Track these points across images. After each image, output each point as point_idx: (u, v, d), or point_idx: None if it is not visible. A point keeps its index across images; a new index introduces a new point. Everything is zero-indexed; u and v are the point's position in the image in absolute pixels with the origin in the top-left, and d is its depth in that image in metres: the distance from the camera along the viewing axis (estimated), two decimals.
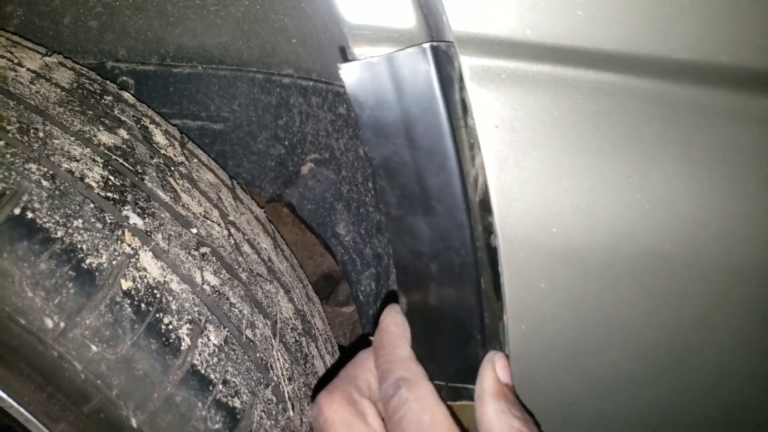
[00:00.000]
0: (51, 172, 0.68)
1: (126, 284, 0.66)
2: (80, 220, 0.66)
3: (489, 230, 0.56)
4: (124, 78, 1.16)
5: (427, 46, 0.49)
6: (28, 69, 0.84)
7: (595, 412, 0.64)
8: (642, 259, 0.55)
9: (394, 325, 0.59)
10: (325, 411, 0.56)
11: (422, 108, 0.51)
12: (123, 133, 0.86)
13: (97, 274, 0.64)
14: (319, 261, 1.42)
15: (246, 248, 0.93)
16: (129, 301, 0.65)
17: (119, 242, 0.68)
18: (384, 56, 0.50)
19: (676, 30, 0.49)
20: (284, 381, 0.85)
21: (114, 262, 0.66)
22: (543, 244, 0.55)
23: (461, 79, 0.52)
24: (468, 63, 0.51)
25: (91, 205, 0.69)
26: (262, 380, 0.79)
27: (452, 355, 0.59)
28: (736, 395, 0.60)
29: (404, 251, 0.59)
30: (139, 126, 0.92)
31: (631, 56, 0.50)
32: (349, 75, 0.51)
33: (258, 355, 0.80)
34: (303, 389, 0.90)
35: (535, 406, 0.65)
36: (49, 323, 0.60)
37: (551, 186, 0.53)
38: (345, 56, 0.54)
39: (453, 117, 0.52)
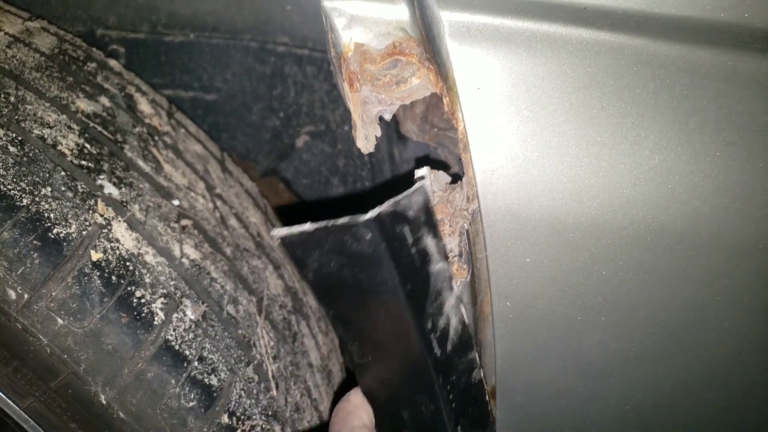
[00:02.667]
0: (20, 138, 0.65)
1: (96, 255, 0.64)
2: (49, 188, 0.63)
3: (470, 369, 0.53)
4: (115, 46, 1.13)
5: (364, 219, 0.43)
6: (6, 33, 0.81)
7: (586, 394, 0.61)
8: (633, 232, 0.50)
9: (355, 397, 0.57)
10: None
11: (370, 274, 0.46)
12: (104, 100, 0.83)
13: (64, 244, 0.62)
14: None
15: (232, 222, 0.90)
16: (99, 273, 0.63)
17: (91, 212, 0.66)
18: (321, 226, 0.45)
19: None
20: (269, 359, 0.82)
21: (84, 233, 0.64)
22: (527, 215, 0.51)
23: (422, 226, 0.47)
24: (447, 18, 0.47)
25: (62, 173, 0.66)
26: (243, 358, 0.76)
27: None
28: (733, 376, 0.57)
29: (374, 394, 0.56)
30: (123, 94, 0.88)
31: (621, 12, 0.45)
32: (286, 241, 0.46)
33: (240, 332, 0.77)
34: (290, 368, 0.88)
35: (522, 388, 0.62)
36: (12, 294, 0.58)
37: (536, 153, 0.49)
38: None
39: (408, 277, 0.46)
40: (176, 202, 0.79)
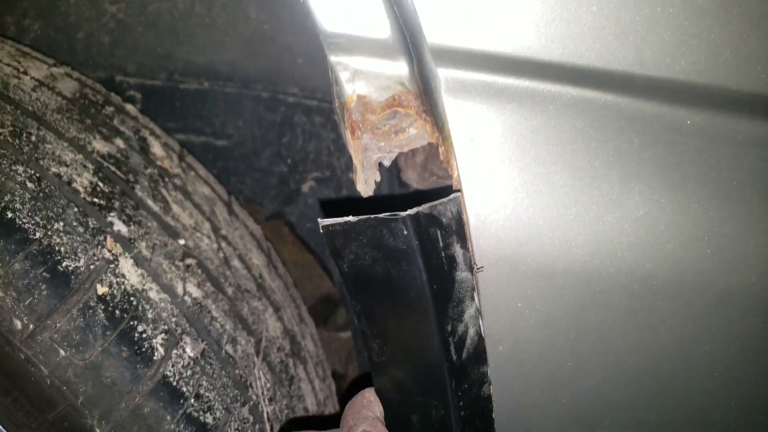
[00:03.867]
0: (38, 175, 0.68)
1: (102, 289, 0.66)
2: (61, 223, 0.66)
3: (481, 381, 0.55)
4: (132, 92, 1.18)
5: (405, 215, 0.48)
6: (33, 77, 0.85)
7: None
8: (621, 280, 0.52)
9: (369, 394, 0.59)
10: None
11: (401, 270, 0.50)
12: (119, 142, 0.87)
13: (72, 277, 0.64)
14: (318, 283, 1.40)
15: (236, 263, 0.93)
16: (103, 307, 0.65)
17: (99, 247, 0.68)
18: (363, 218, 0.49)
19: (650, 48, 0.47)
20: (264, 401, 0.83)
21: (92, 267, 0.66)
22: (518, 260, 0.53)
23: (452, 234, 0.51)
24: (444, 75, 0.50)
25: (75, 209, 0.69)
26: (239, 397, 0.77)
27: None
28: (723, 424, 0.57)
29: (387, 395, 0.58)
30: (137, 137, 0.92)
31: (606, 72, 0.48)
32: (329, 230, 0.50)
33: (237, 371, 0.78)
34: (285, 411, 0.88)
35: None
36: (18, 324, 0.60)
37: (527, 201, 0.52)
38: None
39: (434, 278, 0.50)
40: (182, 242, 0.82)
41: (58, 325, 0.61)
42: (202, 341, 0.74)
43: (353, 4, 0.49)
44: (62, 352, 0.61)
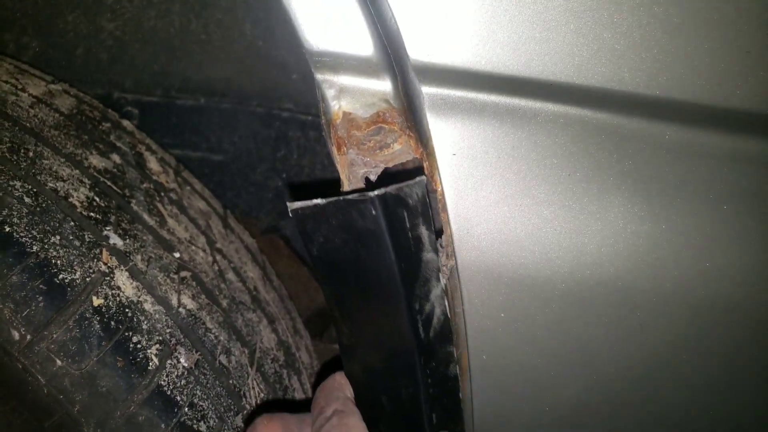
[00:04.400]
0: (35, 190, 0.70)
1: (97, 301, 0.67)
2: (58, 237, 0.68)
3: (447, 361, 0.56)
4: (129, 108, 1.20)
5: (373, 195, 0.49)
6: (30, 94, 0.87)
7: None
8: (601, 290, 0.54)
9: (339, 377, 0.60)
10: (258, 428, 0.56)
11: (370, 251, 0.51)
12: (116, 157, 0.89)
13: (68, 289, 0.65)
14: (314, 296, 1.41)
15: (230, 275, 0.94)
16: (99, 318, 0.66)
17: (95, 260, 0.70)
18: (332, 200, 0.50)
19: (627, 65, 0.49)
20: (258, 410, 0.84)
21: (88, 279, 0.68)
22: (501, 272, 0.55)
23: (418, 215, 0.52)
24: (426, 92, 0.52)
25: (72, 223, 0.71)
26: (232, 407, 0.78)
27: None
28: (700, 428, 0.58)
29: (357, 377, 0.59)
30: (133, 152, 0.94)
31: (584, 89, 0.50)
32: (298, 213, 0.51)
33: (231, 381, 0.80)
34: None
35: None
36: (16, 335, 0.61)
37: (509, 214, 0.54)
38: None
39: (402, 258, 0.51)
40: (177, 255, 0.84)
41: (54, 335, 0.63)
42: (197, 352, 0.76)
43: (338, 22, 0.51)
44: (59, 362, 0.63)
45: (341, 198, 0.49)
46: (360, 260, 0.51)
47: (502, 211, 0.54)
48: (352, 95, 0.54)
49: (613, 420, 0.59)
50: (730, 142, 0.52)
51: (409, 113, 0.54)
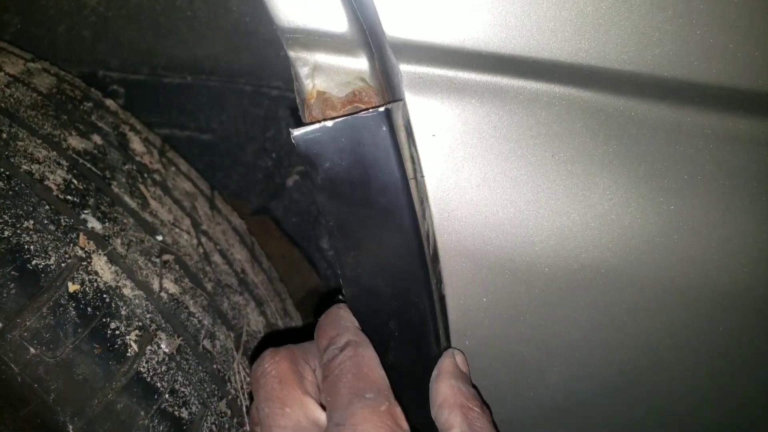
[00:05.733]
0: (8, 173, 0.68)
1: (73, 287, 0.66)
2: (32, 221, 0.66)
3: (440, 279, 0.55)
4: (115, 87, 1.18)
5: (383, 110, 0.48)
6: (7, 73, 0.85)
7: None
8: (585, 275, 0.52)
9: (344, 309, 0.58)
10: (266, 362, 0.54)
11: (378, 170, 0.50)
12: (97, 138, 0.86)
13: (42, 275, 0.64)
14: (306, 276, 1.40)
15: (216, 258, 0.93)
16: (74, 304, 0.65)
17: (72, 245, 0.68)
18: (339, 120, 0.48)
19: (613, 41, 0.47)
20: (243, 395, 0.83)
21: (63, 264, 0.66)
22: (482, 256, 0.53)
23: (410, 135, 0.51)
24: (404, 70, 0.50)
25: (47, 207, 0.69)
26: (216, 392, 0.77)
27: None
28: (691, 418, 0.57)
29: (363, 307, 0.57)
30: (116, 132, 0.92)
31: (568, 66, 0.48)
32: (303, 139, 0.49)
33: (215, 366, 0.79)
34: None
35: None
36: None
37: (490, 196, 0.52)
38: (297, 119, 0.54)
39: (406, 175, 0.51)
40: (160, 238, 0.82)
41: (27, 323, 0.61)
42: (179, 337, 0.74)
43: None
44: (32, 350, 0.61)
45: (350, 116, 0.48)
46: (368, 182, 0.50)
47: (483, 193, 0.52)
48: (326, 73, 0.52)
49: (602, 408, 0.58)
50: (719, 120, 0.50)
51: (387, 92, 0.52)
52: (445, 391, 0.53)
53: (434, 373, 0.56)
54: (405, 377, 0.54)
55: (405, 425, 0.48)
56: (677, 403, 0.56)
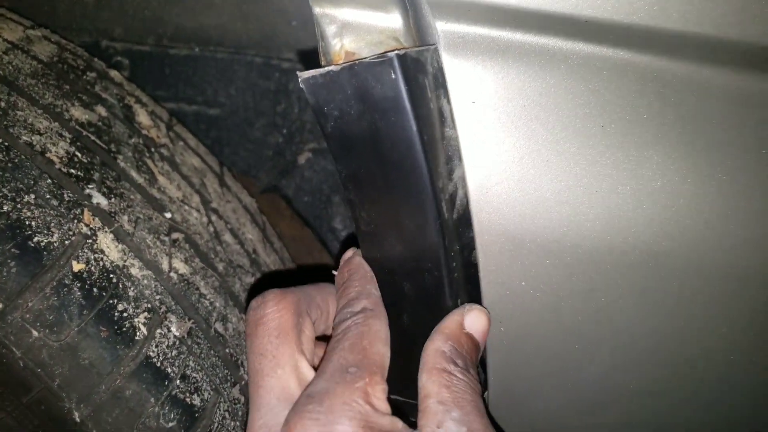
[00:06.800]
0: (7, 144, 0.64)
1: (78, 266, 0.62)
2: (33, 196, 0.62)
3: (470, 246, 0.51)
4: (119, 58, 1.12)
5: (392, 55, 0.43)
6: (5, 39, 0.80)
7: (583, 429, 0.57)
8: (635, 258, 0.48)
9: (366, 267, 0.54)
10: (268, 307, 0.51)
11: (389, 121, 0.45)
12: (101, 110, 0.82)
13: (45, 253, 0.60)
14: (318, 257, 1.36)
15: (227, 237, 0.88)
16: (79, 284, 0.61)
17: (76, 221, 0.64)
18: (346, 65, 0.44)
19: None
20: None
21: (67, 242, 0.62)
22: (523, 236, 0.48)
23: (439, 86, 0.46)
24: (442, 29, 0.45)
25: (49, 181, 0.64)
26: (229, 377, 0.73)
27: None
28: (739, 408, 0.53)
29: (377, 267, 0.54)
30: (121, 105, 0.87)
31: (625, 27, 0.43)
32: (310, 83, 0.46)
33: (227, 350, 0.75)
34: None
35: (516, 422, 0.59)
36: None
37: (534, 171, 0.47)
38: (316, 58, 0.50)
39: (424, 130, 0.46)
40: (168, 215, 0.78)
41: (30, 304, 0.57)
42: (189, 320, 0.71)
43: None
44: (35, 333, 0.57)
45: (357, 62, 0.44)
46: (379, 132, 0.46)
47: (526, 167, 0.47)
48: (356, 32, 0.47)
49: (642, 399, 0.54)
50: None
51: None
52: (428, 355, 0.48)
53: (434, 329, 0.52)
54: (418, 343, 0.50)
55: (381, 404, 0.45)
56: (728, 395, 0.52)
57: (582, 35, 0.45)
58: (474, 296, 0.52)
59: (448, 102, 0.47)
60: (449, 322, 0.50)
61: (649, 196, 0.47)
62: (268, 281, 0.91)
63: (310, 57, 1.10)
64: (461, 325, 0.50)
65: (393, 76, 0.44)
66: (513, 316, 0.52)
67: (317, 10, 0.46)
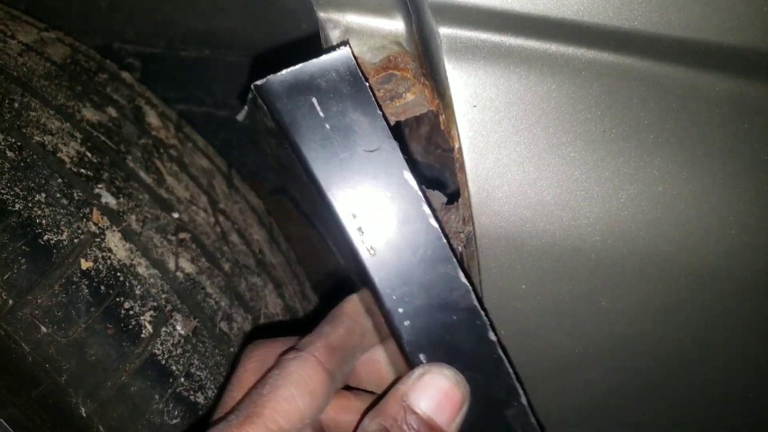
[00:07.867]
0: (19, 144, 0.65)
1: (86, 264, 0.63)
2: (43, 195, 0.63)
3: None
4: (131, 60, 1.14)
5: (346, 49, 0.40)
6: (20, 41, 0.82)
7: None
8: (635, 262, 0.48)
9: (350, 305, 0.50)
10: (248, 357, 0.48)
11: (286, 149, 0.41)
12: (112, 111, 0.83)
13: (54, 251, 0.61)
14: (325, 259, 1.37)
15: (234, 238, 0.89)
16: (87, 282, 0.62)
17: (85, 220, 0.65)
18: (296, 68, 0.40)
19: (676, 5, 0.42)
20: None
21: (76, 241, 0.63)
22: (524, 240, 0.49)
23: (344, 99, 0.42)
24: (444, 33, 0.45)
25: (60, 180, 0.66)
26: None
27: None
28: (738, 411, 0.53)
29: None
30: (131, 105, 0.89)
31: (626, 33, 0.43)
32: (268, 89, 0.40)
33: (232, 349, 0.76)
34: None
35: None
36: None
37: (535, 175, 0.47)
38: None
39: (318, 155, 0.41)
40: (176, 215, 0.79)
41: (39, 300, 0.58)
42: (195, 318, 0.71)
43: None
44: (44, 329, 0.58)
45: (309, 62, 0.40)
46: (290, 158, 0.42)
47: (528, 171, 0.48)
48: (359, 37, 0.47)
49: (644, 404, 0.54)
50: None
51: (424, 58, 0.48)
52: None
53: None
54: None
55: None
56: (729, 399, 0.52)
57: (583, 41, 0.45)
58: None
59: (364, 114, 0.42)
60: (390, 393, 0.39)
61: (649, 201, 0.48)
62: None
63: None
64: (401, 397, 0.37)
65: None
66: (513, 319, 0.52)
67: (322, 14, 0.47)
